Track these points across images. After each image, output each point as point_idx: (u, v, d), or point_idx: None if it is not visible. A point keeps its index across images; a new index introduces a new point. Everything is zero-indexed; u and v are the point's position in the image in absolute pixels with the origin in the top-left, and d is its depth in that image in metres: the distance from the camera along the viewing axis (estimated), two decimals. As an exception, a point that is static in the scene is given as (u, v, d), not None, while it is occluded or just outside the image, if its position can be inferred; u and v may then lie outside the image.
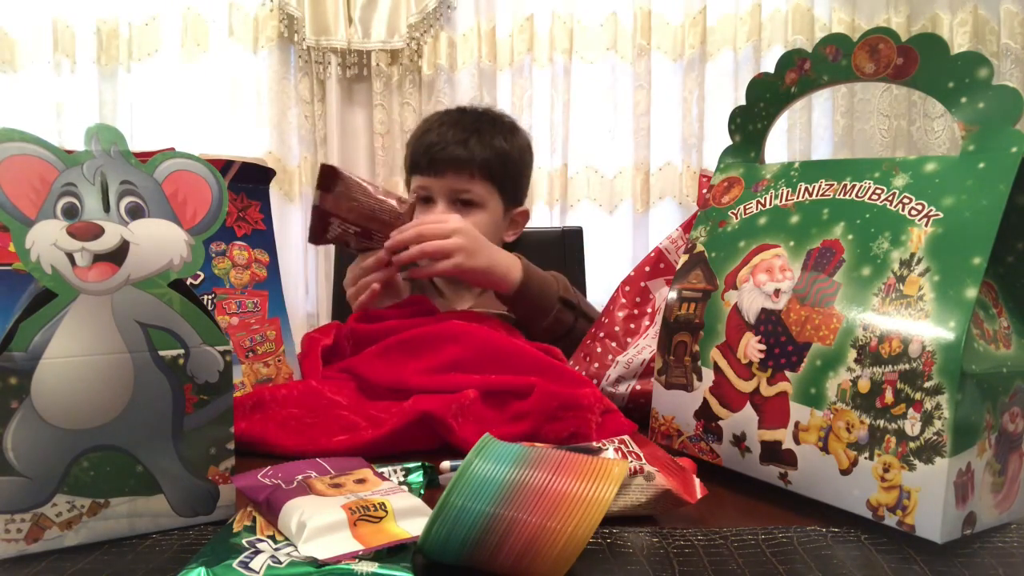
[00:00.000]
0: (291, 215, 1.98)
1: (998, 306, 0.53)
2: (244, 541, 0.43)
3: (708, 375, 0.62)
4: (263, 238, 0.89)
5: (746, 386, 0.59)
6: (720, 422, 0.61)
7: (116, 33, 1.91)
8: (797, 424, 0.55)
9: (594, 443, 0.58)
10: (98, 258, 0.47)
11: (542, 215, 1.99)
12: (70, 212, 0.47)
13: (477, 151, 1.14)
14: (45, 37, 1.89)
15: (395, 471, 0.54)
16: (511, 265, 1.00)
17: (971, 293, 0.48)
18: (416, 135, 1.20)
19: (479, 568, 0.43)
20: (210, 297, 0.83)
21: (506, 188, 1.20)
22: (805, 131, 2.00)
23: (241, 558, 0.41)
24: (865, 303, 0.52)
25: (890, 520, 0.49)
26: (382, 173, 1.98)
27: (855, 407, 0.51)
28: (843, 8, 1.99)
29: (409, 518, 0.44)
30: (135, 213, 0.49)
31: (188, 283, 0.59)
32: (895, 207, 0.54)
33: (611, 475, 0.43)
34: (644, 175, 2.00)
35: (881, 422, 0.50)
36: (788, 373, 0.55)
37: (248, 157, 0.84)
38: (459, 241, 0.94)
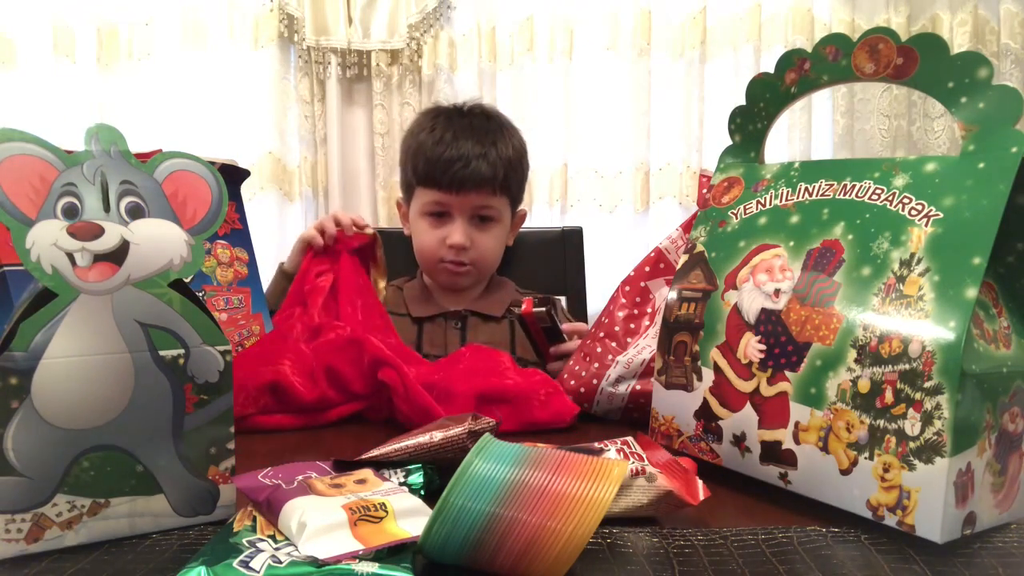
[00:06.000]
0: (291, 215, 1.98)
1: (998, 306, 0.53)
2: (244, 541, 0.43)
3: (708, 375, 0.62)
4: (241, 237, 0.93)
5: (746, 386, 0.59)
6: (720, 422, 0.61)
7: (116, 33, 1.91)
8: (797, 424, 0.55)
9: (596, 444, 0.58)
10: (98, 258, 0.47)
11: (542, 215, 1.99)
12: (70, 212, 0.47)
13: (499, 166, 1.12)
14: (45, 37, 1.89)
15: (396, 471, 0.54)
16: None
17: (971, 293, 0.48)
18: (424, 144, 1.13)
19: (479, 568, 0.43)
20: (200, 295, 0.85)
21: (517, 197, 1.20)
22: (805, 131, 2.00)
23: (241, 558, 0.41)
24: (865, 303, 0.52)
25: (890, 520, 0.49)
26: (382, 173, 1.98)
27: (855, 407, 0.51)
28: (843, 8, 1.99)
29: (409, 518, 0.44)
30: (135, 213, 0.49)
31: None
32: (895, 207, 0.54)
33: (611, 475, 0.43)
34: (644, 175, 2.00)
35: (881, 422, 0.50)
36: (788, 373, 0.55)
37: (221, 158, 0.86)
38: None
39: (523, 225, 1.31)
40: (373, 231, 1.06)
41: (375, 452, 0.57)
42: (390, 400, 0.80)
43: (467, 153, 1.10)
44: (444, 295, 1.21)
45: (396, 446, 0.57)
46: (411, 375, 0.77)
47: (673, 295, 0.66)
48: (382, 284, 1.04)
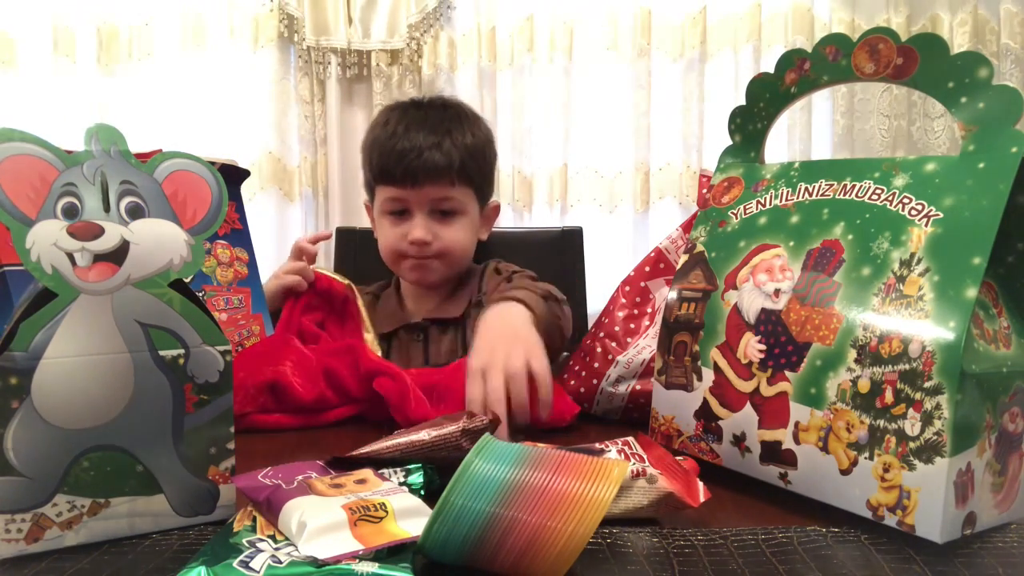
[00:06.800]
0: (291, 215, 1.98)
1: (998, 306, 0.53)
2: (244, 541, 0.43)
3: (708, 375, 0.62)
4: (241, 237, 0.93)
5: (746, 386, 0.59)
6: (720, 422, 0.61)
7: (116, 33, 1.91)
8: (797, 424, 0.55)
9: (596, 444, 0.58)
10: (98, 258, 0.47)
11: (542, 215, 1.99)
12: (70, 212, 0.47)
13: (454, 154, 1.07)
14: (45, 37, 1.89)
15: (395, 471, 0.54)
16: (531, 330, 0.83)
17: (971, 293, 0.48)
18: (378, 139, 1.10)
19: (479, 568, 0.43)
20: (200, 295, 0.85)
21: (482, 188, 1.15)
22: (805, 131, 2.00)
23: (241, 558, 0.41)
24: (865, 303, 0.52)
25: (890, 520, 0.49)
26: (382, 173, 1.98)
27: (855, 407, 0.51)
28: (843, 8, 1.99)
29: (409, 518, 0.44)
30: (135, 213, 0.49)
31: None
32: (895, 207, 0.54)
33: (611, 475, 0.43)
34: (644, 175, 2.00)
35: (881, 422, 0.50)
36: (788, 373, 0.55)
37: (221, 158, 0.86)
38: (521, 372, 0.73)
39: (523, 224, 1.31)
40: (347, 282, 1.04)
41: (366, 449, 0.57)
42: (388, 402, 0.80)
43: (419, 144, 1.06)
44: (413, 299, 1.18)
45: (388, 443, 0.57)
46: (410, 381, 0.77)
47: (673, 295, 0.66)
48: (368, 336, 1.01)
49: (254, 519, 0.46)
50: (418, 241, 1.08)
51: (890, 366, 0.50)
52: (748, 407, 0.58)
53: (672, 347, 0.65)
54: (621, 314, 0.84)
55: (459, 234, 1.11)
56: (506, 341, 0.76)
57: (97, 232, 0.47)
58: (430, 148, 1.06)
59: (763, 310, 0.58)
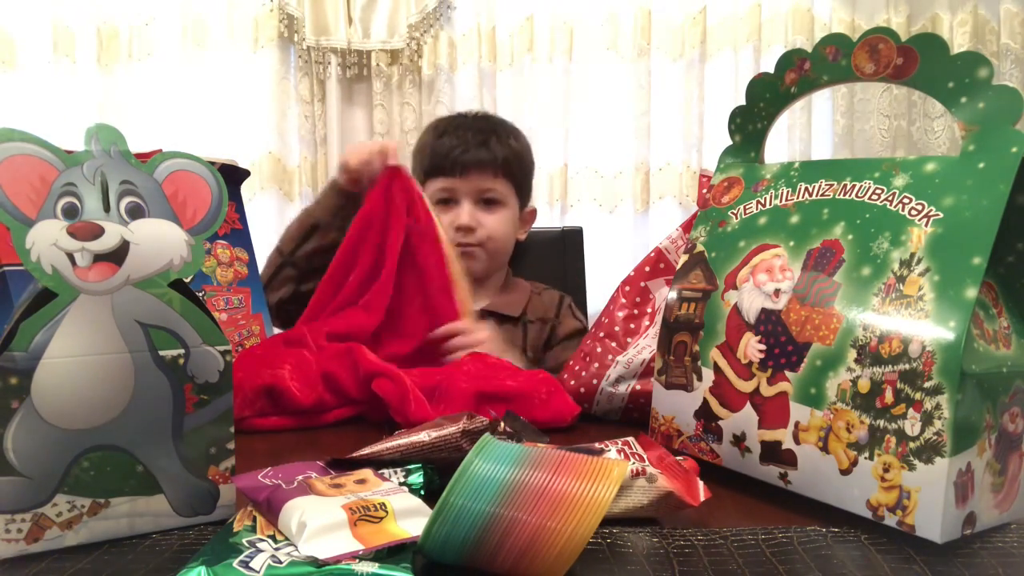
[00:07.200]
0: (291, 215, 1.97)
1: (998, 306, 0.53)
2: (244, 541, 0.43)
3: (708, 375, 0.62)
4: (241, 237, 0.93)
5: (746, 386, 0.59)
6: (720, 422, 0.61)
7: (116, 33, 1.91)
8: (797, 424, 0.55)
9: (596, 444, 0.58)
10: (98, 258, 0.47)
11: (542, 215, 1.99)
12: (70, 212, 0.47)
13: (498, 150, 1.19)
14: (45, 37, 1.89)
15: (395, 472, 0.54)
16: None
17: (971, 293, 0.48)
18: (429, 140, 1.23)
19: (479, 568, 0.43)
20: (200, 295, 0.85)
21: (522, 187, 1.25)
22: (805, 131, 2.00)
23: (241, 558, 0.41)
24: (865, 303, 0.52)
25: (890, 520, 0.49)
26: (382, 173, 1.98)
27: (855, 407, 0.51)
28: (843, 8, 1.99)
29: (409, 518, 0.44)
30: (135, 213, 0.49)
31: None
32: (895, 207, 0.54)
33: (611, 475, 0.43)
34: (644, 175, 2.00)
35: (881, 422, 0.50)
36: (788, 373, 0.55)
37: (221, 158, 0.86)
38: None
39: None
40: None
41: (367, 450, 0.57)
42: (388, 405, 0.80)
43: (467, 140, 1.18)
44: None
45: (389, 445, 0.57)
46: (410, 382, 0.77)
47: (673, 295, 0.66)
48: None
49: (254, 519, 0.46)
50: (464, 227, 1.18)
51: (890, 366, 0.50)
52: (748, 407, 0.58)
53: (672, 347, 0.65)
54: (621, 314, 0.84)
55: (501, 224, 1.22)
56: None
57: (97, 232, 0.47)
58: (476, 145, 1.19)
59: (763, 310, 0.58)
